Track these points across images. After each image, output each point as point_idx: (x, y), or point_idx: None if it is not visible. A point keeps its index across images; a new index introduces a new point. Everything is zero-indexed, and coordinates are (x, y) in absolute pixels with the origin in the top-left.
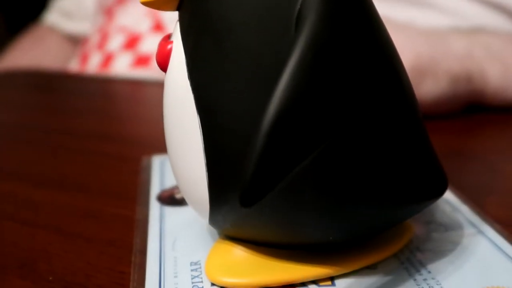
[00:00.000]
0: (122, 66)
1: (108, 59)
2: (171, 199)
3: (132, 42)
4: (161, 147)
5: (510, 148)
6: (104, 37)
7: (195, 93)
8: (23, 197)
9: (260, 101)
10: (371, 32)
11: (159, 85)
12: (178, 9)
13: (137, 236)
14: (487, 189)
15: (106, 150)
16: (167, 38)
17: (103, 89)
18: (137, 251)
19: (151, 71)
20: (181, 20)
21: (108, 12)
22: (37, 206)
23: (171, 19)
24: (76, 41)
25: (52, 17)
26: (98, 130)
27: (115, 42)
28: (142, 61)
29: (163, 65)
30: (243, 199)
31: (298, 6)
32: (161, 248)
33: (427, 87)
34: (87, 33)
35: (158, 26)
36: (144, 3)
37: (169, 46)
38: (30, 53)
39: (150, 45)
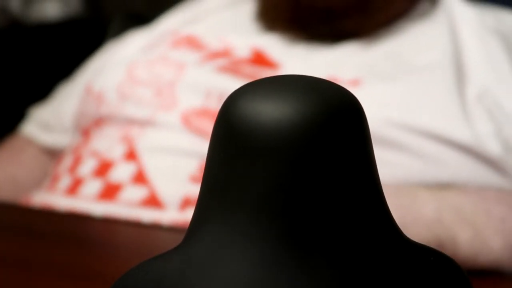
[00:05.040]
0: (89, 193)
1: (76, 184)
2: None
3: (103, 168)
4: None
5: None
6: (76, 160)
7: None
8: None
9: None
10: None
11: (128, 225)
12: None
13: None
14: None
15: None
16: None
17: (69, 231)
18: None
19: (119, 205)
20: None
21: (85, 133)
22: None
23: (144, 148)
24: (53, 154)
25: (29, 128)
26: None
27: (86, 167)
28: (110, 190)
29: None
30: None
31: None
32: None
33: None
34: (64, 146)
35: (131, 154)
36: None
37: None
38: (5, 166)
39: (120, 173)
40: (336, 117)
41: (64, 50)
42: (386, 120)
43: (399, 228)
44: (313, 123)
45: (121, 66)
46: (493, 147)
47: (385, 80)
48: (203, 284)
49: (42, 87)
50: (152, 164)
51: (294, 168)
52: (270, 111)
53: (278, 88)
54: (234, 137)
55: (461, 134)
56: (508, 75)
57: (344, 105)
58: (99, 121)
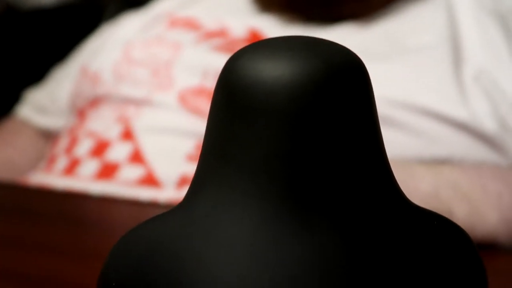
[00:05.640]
0: (86, 174)
1: (73, 165)
2: None
3: (99, 148)
4: None
5: None
6: (73, 141)
7: None
8: None
9: None
10: None
11: (125, 204)
12: None
13: None
14: None
15: None
16: None
17: (66, 210)
18: None
19: (116, 184)
20: None
21: (80, 114)
22: None
23: (141, 128)
24: (48, 136)
25: (25, 111)
26: (53, 274)
27: (83, 147)
28: (108, 170)
29: None
30: None
31: None
32: None
33: None
34: (60, 129)
35: (127, 134)
36: None
37: None
38: (1, 149)
39: (117, 153)
40: (338, 75)
41: (60, 35)
42: (383, 98)
43: (402, 191)
44: (314, 81)
45: (117, 46)
46: (489, 125)
47: (382, 60)
48: (203, 244)
49: (38, 71)
50: (149, 144)
51: (295, 127)
52: (270, 70)
53: (278, 47)
54: (233, 97)
55: (458, 112)
56: (505, 55)
57: (347, 63)
58: (95, 102)
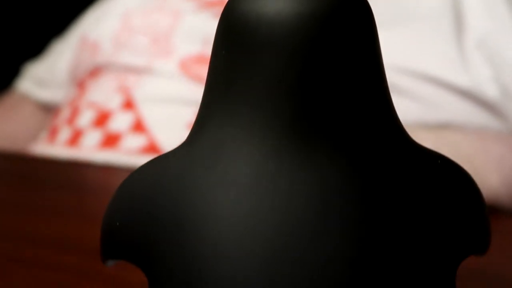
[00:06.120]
0: (90, 144)
1: (76, 136)
2: None
3: (101, 119)
4: None
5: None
6: (74, 112)
7: None
8: None
9: None
10: None
11: (128, 172)
12: None
13: None
14: None
15: (66, 262)
16: None
17: (70, 177)
18: None
19: (119, 153)
20: None
21: (80, 85)
22: None
23: (142, 97)
24: (49, 109)
25: (25, 84)
26: (60, 236)
27: (85, 118)
28: (110, 140)
29: None
30: None
31: None
32: None
33: None
34: (60, 102)
35: (128, 104)
36: None
37: None
38: (2, 123)
39: (119, 123)
40: (341, 9)
41: (59, 8)
42: (386, 64)
43: (405, 130)
44: (317, 14)
45: (117, 15)
46: (491, 91)
47: (384, 26)
48: (206, 180)
49: (37, 45)
50: (150, 113)
51: (297, 59)
52: (273, 3)
53: None
54: (235, 31)
55: (460, 78)
56: (508, 22)
57: None
58: (95, 72)
